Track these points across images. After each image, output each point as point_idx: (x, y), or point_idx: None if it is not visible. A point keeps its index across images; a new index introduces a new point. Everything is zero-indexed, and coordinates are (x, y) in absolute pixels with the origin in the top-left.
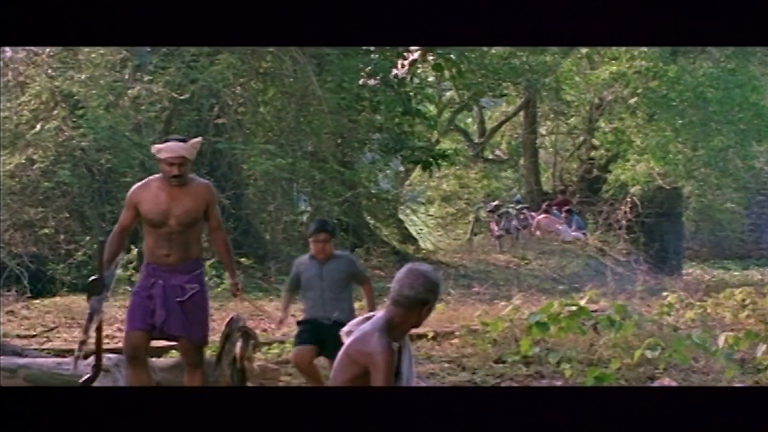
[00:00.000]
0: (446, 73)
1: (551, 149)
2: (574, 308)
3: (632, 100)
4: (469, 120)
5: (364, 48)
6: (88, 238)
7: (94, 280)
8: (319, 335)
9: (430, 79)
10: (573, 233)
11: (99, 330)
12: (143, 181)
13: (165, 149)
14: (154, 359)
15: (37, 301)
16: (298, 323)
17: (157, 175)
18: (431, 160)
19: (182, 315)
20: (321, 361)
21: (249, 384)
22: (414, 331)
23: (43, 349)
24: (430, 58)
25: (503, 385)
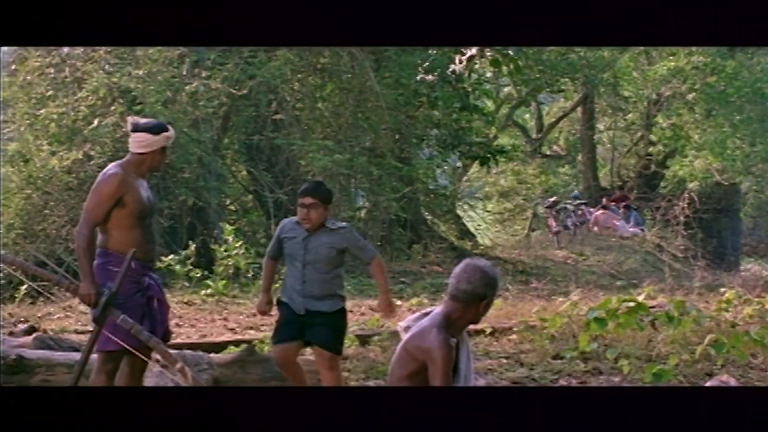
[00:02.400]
0: (504, 69)
1: (609, 145)
2: (632, 304)
3: (690, 96)
4: (527, 116)
5: None
6: None
7: (114, 292)
8: (300, 324)
9: (488, 74)
10: (631, 229)
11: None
12: (119, 170)
13: (173, 134)
14: (212, 354)
15: None
16: (278, 303)
17: (123, 162)
18: (489, 155)
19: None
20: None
21: None
22: (472, 327)
23: None
24: (488, 54)
25: (562, 381)
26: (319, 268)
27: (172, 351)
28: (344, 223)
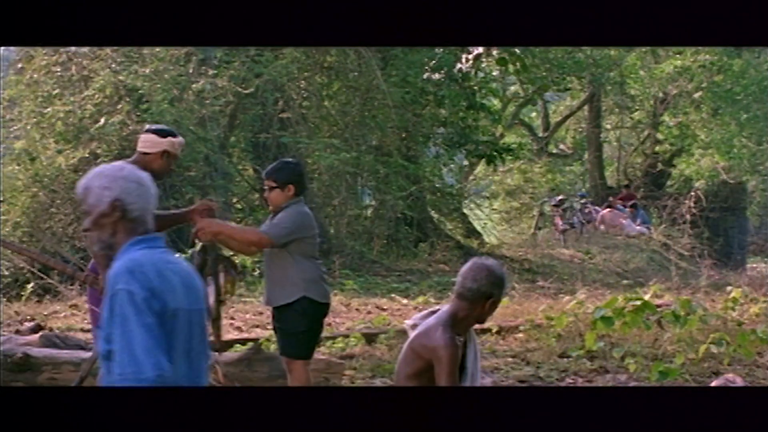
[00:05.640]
0: (510, 68)
1: (616, 143)
2: (638, 303)
3: (697, 95)
4: (534, 114)
5: None
6: None
7: None
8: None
9: (495, 73)
10: (637, 228)
11: None
12: None
13: (179, 143)
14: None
15: None
16: None
17: (128, 162)
18: (495, 154)
19: None
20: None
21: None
22: (478, 325)
23: None
24: (495, 52)
25: (568, 380)
26: (269, 250)
27: None
28: (304, 207)
